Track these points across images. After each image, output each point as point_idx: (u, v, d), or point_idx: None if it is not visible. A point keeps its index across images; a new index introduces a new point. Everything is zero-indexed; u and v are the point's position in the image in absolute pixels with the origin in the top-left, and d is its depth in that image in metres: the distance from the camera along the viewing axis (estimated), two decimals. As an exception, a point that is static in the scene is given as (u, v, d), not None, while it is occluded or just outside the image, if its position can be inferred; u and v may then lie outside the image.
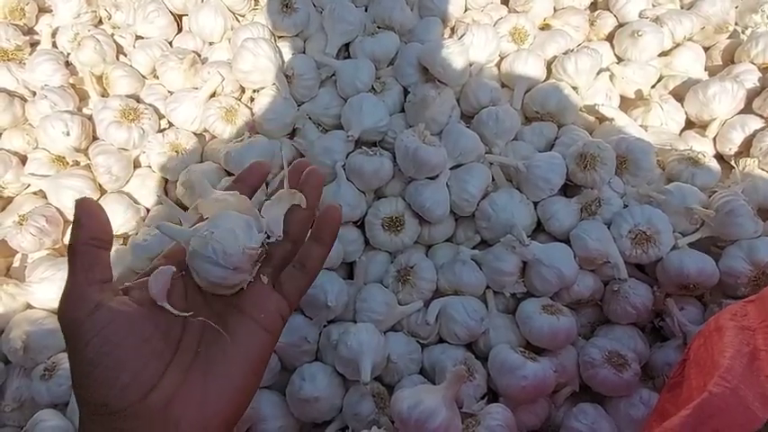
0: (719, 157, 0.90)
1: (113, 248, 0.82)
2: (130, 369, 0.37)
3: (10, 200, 0.89)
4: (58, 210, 0.84)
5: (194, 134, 0.91)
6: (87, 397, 0.38)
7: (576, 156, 0.83)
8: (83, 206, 0.40)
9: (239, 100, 0.92)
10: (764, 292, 0.58)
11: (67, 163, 0.88)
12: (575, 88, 0.92)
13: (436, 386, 0.67)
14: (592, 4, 1.06)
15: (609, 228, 0.81)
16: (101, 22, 1.02)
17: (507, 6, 1.04)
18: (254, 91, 0.92)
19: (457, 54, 0.87)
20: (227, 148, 0.84)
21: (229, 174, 0.85)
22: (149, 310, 0.40)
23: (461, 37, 0.92)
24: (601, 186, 0.83)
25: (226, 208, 0.43)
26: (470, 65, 0.92)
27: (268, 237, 0.43)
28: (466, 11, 1.03)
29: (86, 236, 0.39)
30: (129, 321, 0.39)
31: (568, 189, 0.87)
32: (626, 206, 0.82)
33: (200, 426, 0.39)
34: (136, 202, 0.88)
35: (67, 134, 0.85)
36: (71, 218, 0.84)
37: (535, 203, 0.85)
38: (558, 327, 0.74)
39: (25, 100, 0.92)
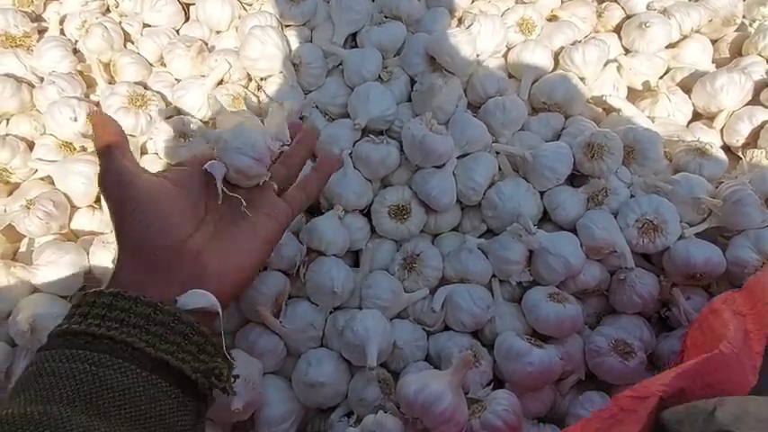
0: (726, 148, 0.90)
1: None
2: (170, 219, 0.48)
3: (17, 185, 0.89)
4: (65, 195, 0.84)
5: (201, 121, 0.91)
6: (131, 235, 0.46)
7: (583, 145, 0.83)
8: (95, 114, 0.52)
9: (246, 88, 0.92)
10: (750, 281, 0.62)
11: (75, 149, 0.89)
12: (582, 79, 0.92)
13: (443, 371, 0.67)
14: (600, -5, 1.06)
15: (616, 217, 0.80)
16: (108, 10, 1.02)
17: (514, -2, 1.04)
18: (262, 79, 0.92)
19: (464, 43, 0.87)
20: (234, 134, 0.83)
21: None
22: (181, 188, 0.51)
23: (469, 27, 0.92)
24: (608, 176, 0.83)
25: (242, 122, 0.54)
26: (477, 55, 0.92)
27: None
28: (473, 1, 1.03)
29: (115, 131, 0.49)
30: (166, 189, 0.49)
31: (575, 179, 0.86)
32: (633, 196, 0.82)
33: (222, 272, 0.49)
34: (142, 188, 0.88)
35: (75, 120, 0.85)
36: (78, 203, 0.85)
37: (541, 193, 0.85)
38: (565, 314, 0.74)
39: (33, 86, 0.92)
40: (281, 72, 0.90)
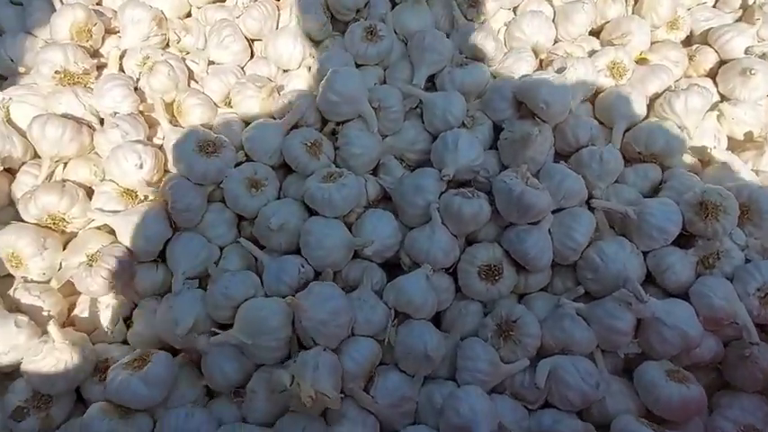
0: (842, 206, 0.83)
1: (190, 291, 0.75)
2: None
3: (73, 235, 0.82)
4: (127, 249, 0.77)
5: (272, 168, 0.84)
6: None
7: (694, 204, 0.76)
8: None
9: (321, 131, 0.85)
10: None
11: (137, 197, 0.82)
12: (681, 128, 0.86)
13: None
14: (686, 38, 1.00)
15: (732, 283, 0.74)
16: (168, 45, 0.96)
17: (598, 38, 0.99)
18: (337, 124, 0.85)
19: (561, 90, 0.81)
20: (313, 186, 0.77)
21: (312, 213, 0.78)
22: None
23: (561, 71, 0.86)
24: (722, 237, 0.76)
25: None
26: (570, 100, 0.86)
27: None
28: (555, 42, 0.96)
29: None
30: None
31: (680, 239, 0.79)
32: (748, 260, 0.76)
33: None
34: (209, 240, 0.80)
35: (140, 167, 0.78)
36: (141, 258, 0.78)
37: (644, 253, 0.78)
38: (690, 397, 0.67)
39: (93, 128, 0.85)
40: (361, 117, 0.83)
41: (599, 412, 0.71)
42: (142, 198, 0.81)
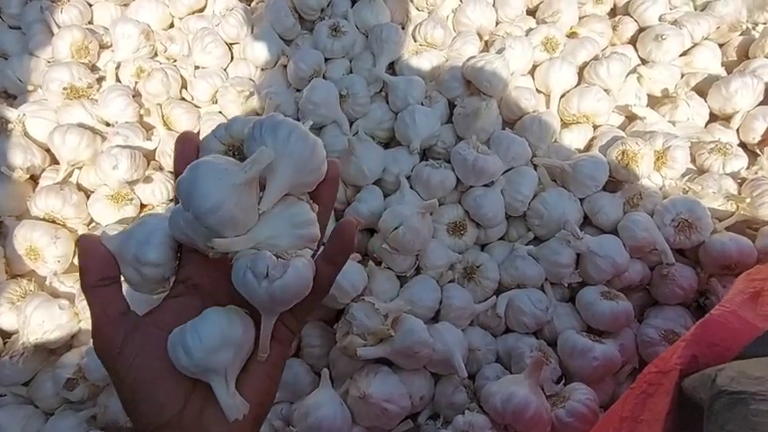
0: (743, 145, 0.98)
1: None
2: (164, 390, 0.42)
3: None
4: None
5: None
6: (136, 418, 0.43)
7: (618, 154, 0.91)
8: (83, 248, 0.42)
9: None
10: None
11: (122, 199, 0.93)
12: (607, 91, 1.00)
13: (520, 375, 0.75)
14: (611, 10, 1.14)
15: (652, 217, 0.89)
16: (156, 54, 1.07)
17: (534, 17, 1.12)
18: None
19: (501, 69, 0.95)
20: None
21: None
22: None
23: (500, 51, 0.99)
24: (642, 180, 0.91)
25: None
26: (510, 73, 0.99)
27: None
28: (497, 24, 1.10)
29: (94, 278, 0.42)
30: (156, 350, 0.42)
31: (609, 184, 0.94)
32: (665, 197, 0.91)
33: (228, 430, 0.42)
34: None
35: (115, 167, 0.89)
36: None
37: (581, 199, 0.93)
38: (619, 310, 0.82)
39: (104, 137, 0.96)
40: (335, 120, 0.97)
41: (549, 331, 0.87)
42: (127, 200, 0.92)
